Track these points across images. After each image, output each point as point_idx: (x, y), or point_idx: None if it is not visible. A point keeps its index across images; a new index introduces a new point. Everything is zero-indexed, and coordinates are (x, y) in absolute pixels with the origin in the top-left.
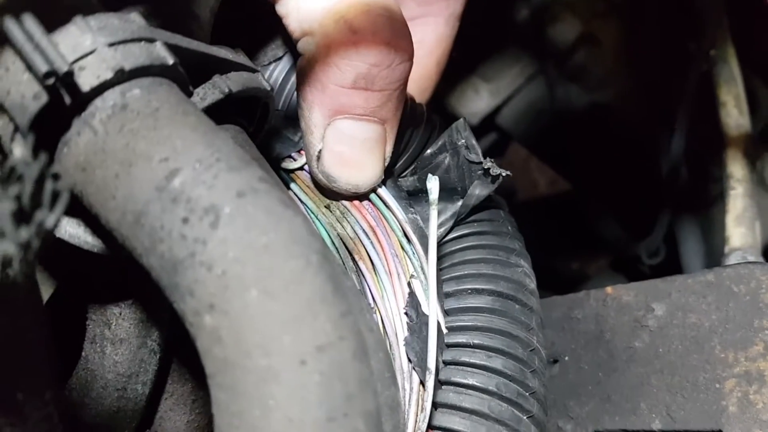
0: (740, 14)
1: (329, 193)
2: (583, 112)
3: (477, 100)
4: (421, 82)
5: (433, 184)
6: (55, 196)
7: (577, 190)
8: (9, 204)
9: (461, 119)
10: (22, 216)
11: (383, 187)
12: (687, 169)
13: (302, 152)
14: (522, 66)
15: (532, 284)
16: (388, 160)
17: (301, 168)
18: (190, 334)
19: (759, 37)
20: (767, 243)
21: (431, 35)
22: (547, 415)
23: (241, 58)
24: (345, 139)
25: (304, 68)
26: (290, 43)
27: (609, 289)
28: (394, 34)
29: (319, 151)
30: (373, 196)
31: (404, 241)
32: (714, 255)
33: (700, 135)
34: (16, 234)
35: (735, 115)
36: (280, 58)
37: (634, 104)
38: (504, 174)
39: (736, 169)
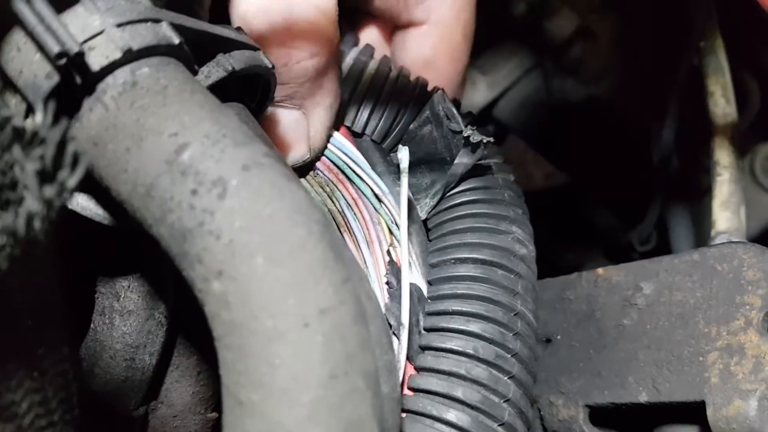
0: (728, 7)
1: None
2: (579, 105)
3: (474, 93)
4: (453, 54)
5: (403, 154)
6: (76, 158)
7: (573, 181)
8: (33, 164)
9: (440, 89)
10: (45, 176)
11: (357, 158)
12: (678, 158)
13: None
14: (519, 59)
15: (523, 250)
16: (313, 138)
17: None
18: (198, 300)
19: (747, 30)
20: (754, 233)
21: (450, 11)
22: (534, 377)
23: (242, 36)
24: (265, 124)
25: None
26: None
27: (600, 271)
28: (289, 36)
29: None
30: (353, 175)
31: (385, 215)
32: (703, 241)
33: (689, 125)
34: (41, 192)
35: (722, 105)
36: None
37: (628, 96)
38: (486, 140)
39: (723, 156)
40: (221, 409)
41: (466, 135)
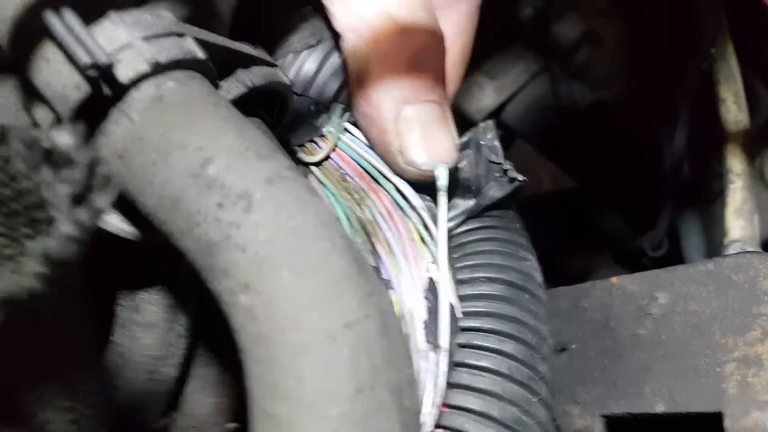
0: (739, 13)
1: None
2: (586, 109)
3: (481, 97)
4: (447, 73)
5: (441, 171)
6: (107, 179)
7: (581, 185)
8: (66, 188)
9: (490, 120)
10: (77, 199)
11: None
12: (689, 164)
13: (325, 139)
14: (526, 63)
15: (540, 277)
16: (456, 138)
17: (326, 158)
18: (224, 312)
19: (757, 36)
20: (766, 237)
21: (454, 27)
22: (554, 398)
23: (261, 53)
24: (416, 125)
25: (359, 72)
26: (326, 32)
27: (614, 280)
28: (431, 20)
29: (399, 145)
30: (387, 184)
31: (421, 227)
32: (715, 247)
33: (700, 131)
34: (74, 216)
35: (734, 111)
36: (313, 46)
37: (636, 101)
38: (521, 179)
39: (735, 163)
40: (241, 419)
41: (504, 168)
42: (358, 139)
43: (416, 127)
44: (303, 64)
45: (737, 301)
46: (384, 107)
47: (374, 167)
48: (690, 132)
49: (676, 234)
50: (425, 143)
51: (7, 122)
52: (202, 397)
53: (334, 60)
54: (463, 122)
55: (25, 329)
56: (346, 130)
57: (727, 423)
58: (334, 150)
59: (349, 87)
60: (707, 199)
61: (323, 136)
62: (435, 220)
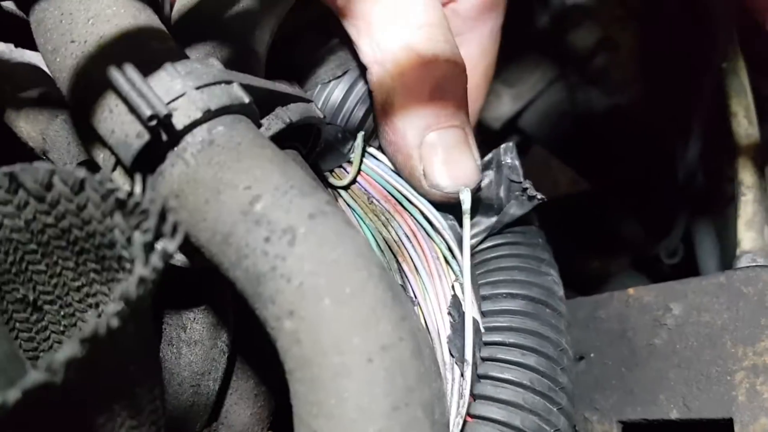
0: (749, 30)
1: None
2: (603, 115)
3: (499, 105)
4: (471, 93)
5: (465, 195)
6: (175, 226)
7: (598, 190)
8: (141, 237)
9: (510, 142)
10: (150, 246)
11: (417, 194)
12: (702, 171)
13: (352, 164)
14: (543, 71)
15: (560, 291)
16: (478, 160)
17: (353, 182)
18: (270, 336)
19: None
20: None
21: (476, 49)
22: (574, 407)
23: (297, 90)
24: (439, 150)
25: (384, 102)
26: (352, 62)
27: (631, 291)
28: (451, 52)
29: (423, 169)
30: (411, 207)
31: (443, 247)
32: (727, 255)
33: (713, 142)
34: (148, 260)
35: (745, 125)
36: (339, 77)
37: (652, 107)
38: (540, 198)
39: (746, 176)
40: (277, 428)
41: (524, 187)
42: (383, 163)
43: (439, 152)
44: (331, 94)
45: (747, 313)
46: (408, 135)
47: (398, 191)
48: (703, 142)
49: (691, 241)
50: (448, 167)
51: (78, 170)
52: (240, 407)
53: (360, 89)
54: (481, 130)
55: (104, 359)
56: (371, 155)
57: (737, 429)
58: (359, 174)
59: (375, 116)
60: (720, 207)
61: (350, 161)
62: (458, 240)
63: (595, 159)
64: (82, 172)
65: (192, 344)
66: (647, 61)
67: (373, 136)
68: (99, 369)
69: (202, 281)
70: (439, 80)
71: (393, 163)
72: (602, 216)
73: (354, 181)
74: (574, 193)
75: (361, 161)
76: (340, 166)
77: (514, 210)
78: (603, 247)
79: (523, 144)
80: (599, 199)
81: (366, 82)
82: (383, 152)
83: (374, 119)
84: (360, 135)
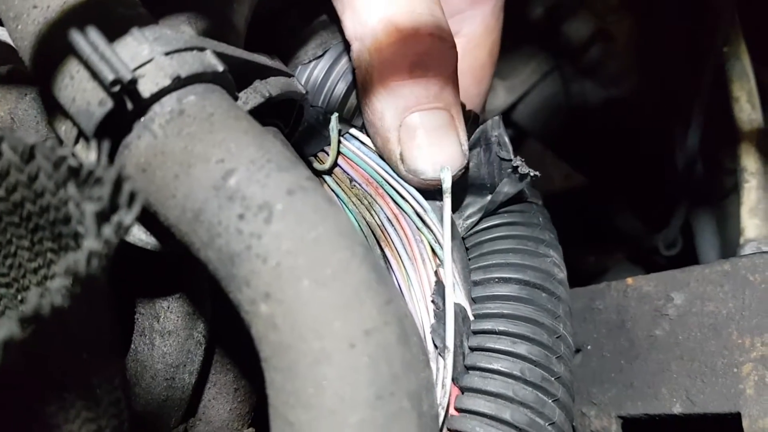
0: (751, 12)
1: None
2: (598, 108)
3: (493, 98)
4: (476, 72)
5: (445, 174)
6: (132, 196)
7: (593, 183)
8: (93, 206)
9: (496, 116)
10: (103, 216)
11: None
12: (701, 162)
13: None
14: (537, 63)
15: (561, 274)
16: (464, 145)
17: (334, 166)
18: (245, 321)
19: None
20: None
21: (480, 27)
22: (573, 399)
23: (277, 64)
24: (419, 132)
25: (363, 80)
26: (333, 41)
27: (629, 280)
28: (436, 26)
29: (400, 153)
30: (392, 191)
31: (425, 231)
32: (729, 246)
33: (714, 129)
34: (100, 232)
35: (748, 110)
36: (320, 57)
37: (648, 99)
38: (532, 174)
39: (750, 162)
40: (257, 424)
41: (515, 165)
42: (365, 145)
43: (419, 135)
44: (311, 74)
45: (754, 302)
46: (386, 115)
47: (379, 174)
48: (703, 130)
49: (690, 232)
50: (429, 150)
51: (28, 136)
52: (219, 402)
53: (341, 67)
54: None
55: (51, 342)
56: (353, 136)
57: (746, 423)
58: (342, 158)
59: (357, 95)
60: (721, 197)
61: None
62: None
63: (591, 152)
64: (31, 138)
65: (166, 335)
66: (644, 51)
67: (355, 116)
68: (46, 354)
69: (177, 267)
70: (421, 56)
71: (374, 145)
72: (598, 210)
73: (335, 164)
74: (569, 188)
75: (339, 144)
76: (324, 151)
77: (508, 188)
78: (599, 241)
79: (517, 137)
80: (595, 192)
81: (349, 59)
82: (366, 133)
83: (357, 99)
84: (334, 117)
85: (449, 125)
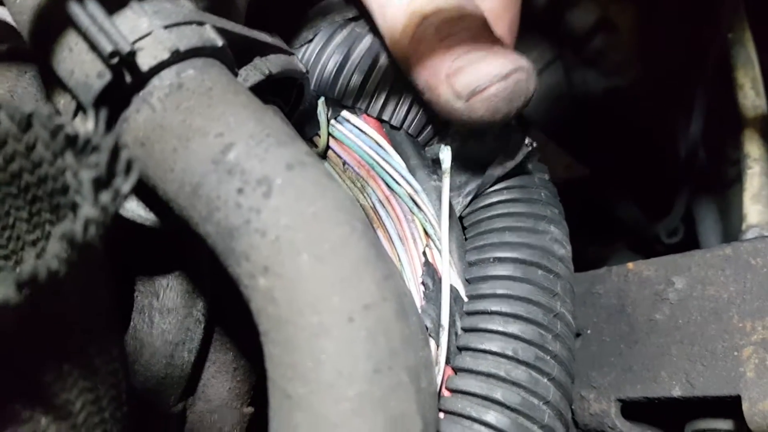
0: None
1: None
2: (600, 97)
3: None
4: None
5: (444, 154)
6: (129, 164)
7: (594, 173)
8: (89, 172)
9: None
10: (100, 183)
11: (391, 158)
12: (704, 150)
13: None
14: (539, 52)
15: (562, 251)
16: (519, 55)
17: (326, 149)
18: (243, 296)
19: None
20: None
21: (499, 2)
22: (573, 377)
23: (278, 41)
24: (463, 64)
25: (405, 71)
26: (322, 24)
27: (630, 265)
28: (459, 4)
29: (453, 91)
30: (383, 173)
31: (416, 210)
32: (731, 234)
33: (717, 117)
34: (97, 199)
35: (752, 97)
36: (310, 41)
37: (651, 87)
38: (527, 143)
39: (753, 148)
40: (257, 403)
41: (512, 138)
42: (356, 127)
43: (463, 63)
44: (302, 59)
45: (755, 285)
46: (431, 82)
47: (371, 156)
48: (706, 118)
49: (692, 220)
50: (476, 65)
51: (26, 105)
52: (218, 381)
53: (330, 50)
54: None
55: (48, 311)
56: (345, 119)
57: (746, 406)
58: (334, 141)
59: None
60: (723, 185)
61: None
62: (438, 200)
63: (593, 141)
64: (29, 107)
65: (165, 312)
66: (646, 40)
67: (351, 100)
68: (42, 321)
69: (176, 245)
70: (450, 27)
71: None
72: (599, 200)
73: (327, 147)
74: (571, 178)
75: (328, 126)
76: (318, 135)
77: (506, 162)
78: (600, 230)
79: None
80: (596, 182)
81: (341, 40)
82: (357, 115)
83: (348, 79)
84: (321, 101)
85: (490, 49)
